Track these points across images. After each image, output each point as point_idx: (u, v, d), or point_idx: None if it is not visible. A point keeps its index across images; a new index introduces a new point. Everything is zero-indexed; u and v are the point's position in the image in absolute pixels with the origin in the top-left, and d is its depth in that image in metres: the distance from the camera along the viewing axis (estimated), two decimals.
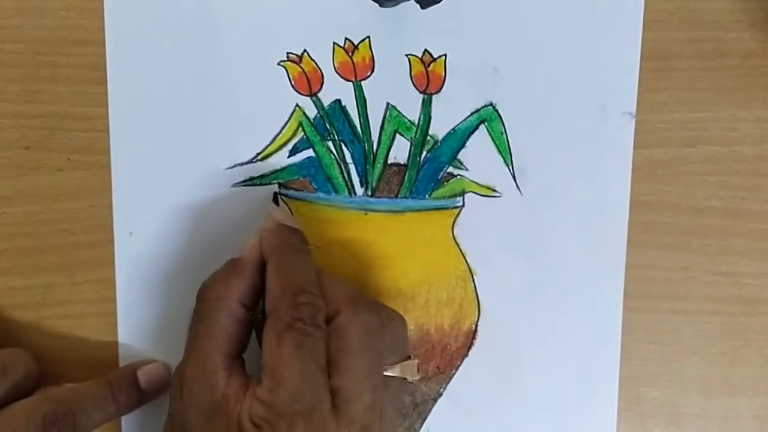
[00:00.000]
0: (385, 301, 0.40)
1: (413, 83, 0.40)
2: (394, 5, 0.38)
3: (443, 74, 0.40)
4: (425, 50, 0.40)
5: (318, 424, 0.32)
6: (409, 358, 0.36)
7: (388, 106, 0.40)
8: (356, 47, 0.39)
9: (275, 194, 0.40)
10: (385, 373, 0.34)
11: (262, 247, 0.36)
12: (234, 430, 0.32)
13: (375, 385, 0.34)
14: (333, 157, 0.40)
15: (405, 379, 0.35)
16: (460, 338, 0.41)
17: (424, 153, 0.40)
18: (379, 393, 0.34)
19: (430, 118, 0.40)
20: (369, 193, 0.40)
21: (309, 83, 0.40)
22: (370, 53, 0.39)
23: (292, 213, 0.40)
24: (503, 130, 0.40)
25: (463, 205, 0.40)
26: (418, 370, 0.36)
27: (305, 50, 0.39)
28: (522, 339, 0.41)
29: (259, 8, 0.39)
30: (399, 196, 0.40)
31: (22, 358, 0.38)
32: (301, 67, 0.40)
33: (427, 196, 0.40)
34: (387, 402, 0.34)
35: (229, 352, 0.34)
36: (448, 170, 0.40)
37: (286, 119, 0.40)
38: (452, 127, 0.40)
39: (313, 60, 0.40)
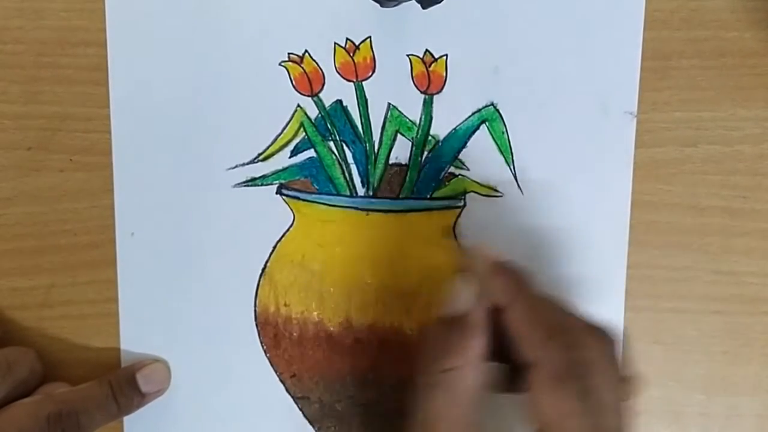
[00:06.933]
0: (386, 302, 0.40)
1: (414, 83, 0.40)
2: (396, 5, 0.38)
3: (444, 74, 0.40)
4: (426, 50, 0.40)
5: None
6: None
7: (390, 107, 0.40)
8: (357, 47, 0.39)
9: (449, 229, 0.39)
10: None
11: (499, 292, 0.33)
12: None
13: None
14: (334, 157, 0.40)
15: None
16: None
17: (426, 153, 0.40)
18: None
19: (431, 118, 0.40)
20: (370, 193, 0.40)
21: (310, 83, 0.40)
22: (371, 53, 0.39)
23: (293, 214, 0.40)
24: (504, 130, 0.40)
25: (465, 205, 0.40)
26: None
27: (306, 50, 0.39)
28: None
29: (260, 9, 0.39)
30: (400, 196, 0.40)
31: (26, 357, 0.39)
32: (303, 68, 0.40)
33: (428, 196, 0.40)
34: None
35: (473, 420, 0.32)
36: (449, 170, 0.40)
37: (288, 120, 0.40)
38: (453, 127, 0.40)
39: (315, 60, 0.40)
